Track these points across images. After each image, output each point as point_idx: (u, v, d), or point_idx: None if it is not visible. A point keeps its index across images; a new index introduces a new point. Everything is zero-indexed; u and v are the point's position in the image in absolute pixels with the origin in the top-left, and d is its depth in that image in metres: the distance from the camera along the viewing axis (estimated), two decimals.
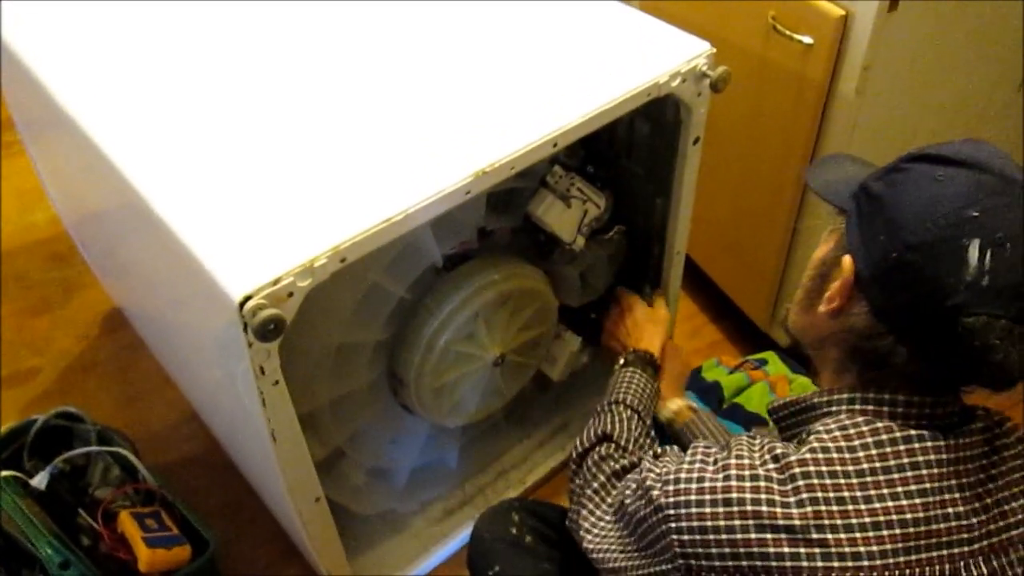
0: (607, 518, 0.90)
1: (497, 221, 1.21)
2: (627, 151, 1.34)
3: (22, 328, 1.77)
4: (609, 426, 1.02)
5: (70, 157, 1.28)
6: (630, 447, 1.00)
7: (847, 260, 0.74)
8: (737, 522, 0.70)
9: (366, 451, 1.28)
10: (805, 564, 0.68)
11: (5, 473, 1.26)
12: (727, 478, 0.72)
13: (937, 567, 0.69)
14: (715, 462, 0.75)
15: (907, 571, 0.68)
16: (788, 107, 1.33)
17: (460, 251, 1.19)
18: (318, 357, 1.09)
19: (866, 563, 0.67)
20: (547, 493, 1.48)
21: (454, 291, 1.16)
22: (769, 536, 0.69)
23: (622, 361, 1.18)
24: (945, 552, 0.69)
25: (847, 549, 0.68)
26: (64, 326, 1.77)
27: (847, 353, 0.77)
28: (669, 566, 0.75)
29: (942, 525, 0.70)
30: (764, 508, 0.70)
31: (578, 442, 1.03)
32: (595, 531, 0.90)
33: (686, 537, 0.72)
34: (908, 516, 0.69)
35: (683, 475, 0.75)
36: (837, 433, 0.72)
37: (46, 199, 1.75)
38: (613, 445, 0.99)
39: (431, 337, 1.16)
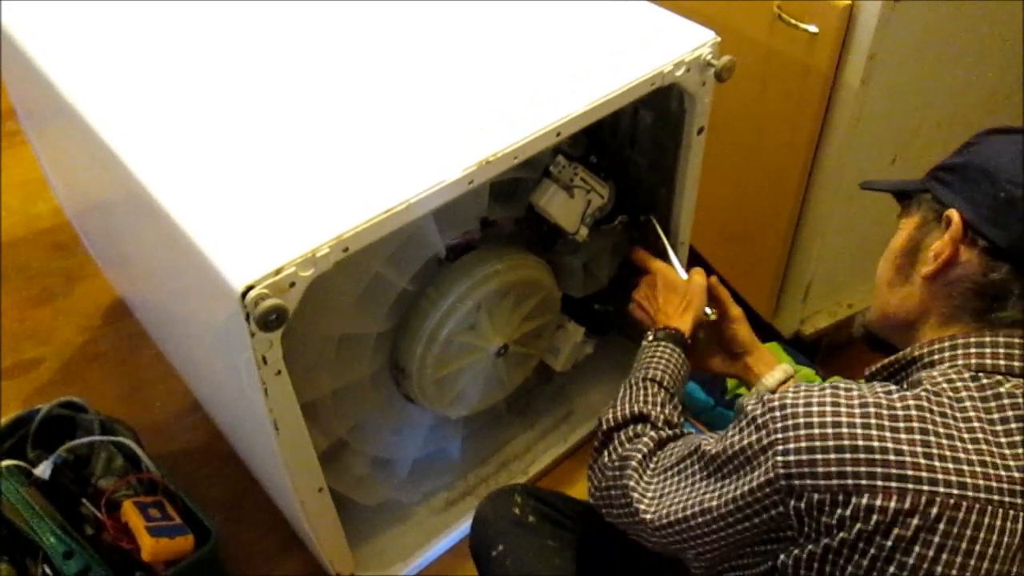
0: (658, 478, 0.88)
1: (500, 211, 1.21)
2: (631, 141, 1.33)
3: (25, 318, 1.77)
4: (644, 405, 0.99)
5: (72, 147, 1.28)
6: (667, 431, 0.96)
7: (953, 212, 0.79)
8: (846, 442, 0.70)
9: (369, 441, 1.28)
10: (911, 487, 0.68)
11: (8, 462, 1.26)
12: (836, 404, 0.72)
13: None
14: (821, 388, 0.75)
15: (1011, 512, 0.69)
16: (793, 97, 1.33)
17: (463, 241, 1.19)
18: (321, 347, 1.09)
19: (970, 494, 0.68)
20: (549, 483, 1.48)
21: (457, 282, 1.16)
22: (878, 458, 0.69)
23: (651, 336, 1.13)
24: None
25: (954, 478, 0.68)
26: (67, 316, 1.77)
27: (961, 299, 0.79)
28: (768, 489, 0.74)
29: None
30: (873, 431, 0.70)
31: (609, 416, 0.99)
32: (649, 496, 0.88)
33: (792, 458, 0.72)
34: (1012, 463, 0.70)
35: (788, 399, 0.75)
36: (944, 384, 0.74)
37: (48, 189, 1.76)
38: (649, 426, 0.97)
39: (434, 328, 1.16)
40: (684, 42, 1.10)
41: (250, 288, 0.81)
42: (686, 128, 1.20)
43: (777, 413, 0.74)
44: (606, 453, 0.96)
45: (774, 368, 1.14)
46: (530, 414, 1.55)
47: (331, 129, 0.99)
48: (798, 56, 1.28)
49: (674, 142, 1.23)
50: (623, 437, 0.96)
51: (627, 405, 0.99)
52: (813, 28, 1.23)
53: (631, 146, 1.33)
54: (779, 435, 0.73)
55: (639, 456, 0.91)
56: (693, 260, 1.75)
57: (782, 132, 1.38)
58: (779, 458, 0.73)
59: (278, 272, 0.82)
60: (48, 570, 1.20)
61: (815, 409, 0.73)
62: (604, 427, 0.99)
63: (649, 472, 0.90)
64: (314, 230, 0.85)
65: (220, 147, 0.97)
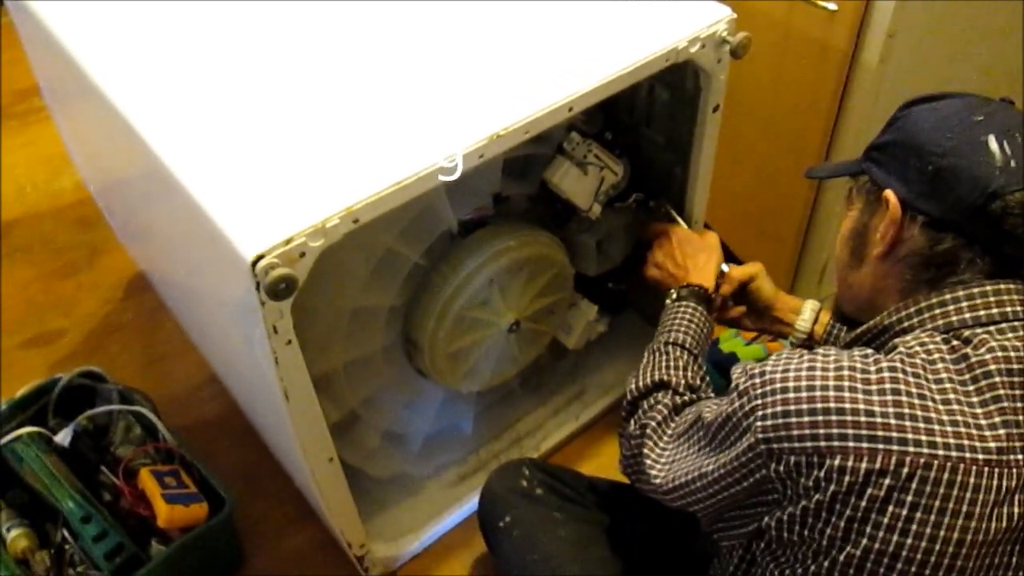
0: (671, 445, 0.91)
1: (513, 187, 1.21)
2: (647, 119, 1.33)
3: (49, 291, 1.80)
4: (665, 372, 1.00)
5: (92, 122, 1.30)
6: (687, 395, 0.98)
7: (889, 193, 0.81)
8: (819, 405, 0.72)
9: (381, 415, 1.30)
10: (881, 447, 0.70)
11: (30, 430, 1.29)
12: (812, 369, 0.74)
13: (1013, 470, 0.71)
14: (800, 356, 0.76)
15: (985, 469, 0.69)
16: (811, 76, 1.31)
17: (476, 217, 1.19)
18: (333, 320, 1.10)
19: (941, 452, 0.69)
20: (561, 460, 1.48)
21: (469, 257, 1.16)
22: (849, 419, 0.71)
23: (675, 295, 1.13)
24: (1020, 457, 0.71)
25: (923, 437, 0.70)
26: (90, 289, 1.80)
27: (914, 272, 0.81)
28: (751, 454, 0.76)
29: (1022, 431, 0.72)
30: (846, 394, 0.72)
31: (633, 386, 1.01)
32: (662, 462, 0.91)
33: (769, 423, 0.73)
34: (983, 422, 0.71)
35: (768, 367, 0.77)
36: (918, 347, 0.75)
37: (73, 164, 1.78)
38: (671, 392, 0.98)
39: (445, 302, 1.16)
40: (699, 18, 1.09)
41: (260, 257, 0.82)
42: (701, 106, 1.19)
43: (757, 381, 0.76)
44: (632, 423, 0.98)
45: (802, 311, 1.17)
46: (543, 391, 1.56)
47: (343, 102, 0.99)
48: (816, 34, 1.27)
49: (690, 120, 1.23)
50: (645, 406, 0.97)
51: (649, 373, 1.01)
52: (831, 5, 1.22)
53: (647, 124, 1.33)
54: (758, 401, 0.75)
55: (654, 424, 0.94)
56: None
57: (799, 111, 1.37)
58: (758, 423, 0.74)
59: (288, 242, 0.83)
60: (67, 534, 1.24)
61: (791, 375, 0.74)
62: (629, 397, 1.01)
63: (665, 439, 0.92)
64: (324, 201, 0.86)
65: (234, 121, 0.97)
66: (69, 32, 1.11)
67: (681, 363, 1.02)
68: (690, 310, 1.09)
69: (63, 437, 1.29)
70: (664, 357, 1.03)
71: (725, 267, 1.19)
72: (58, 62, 1.15)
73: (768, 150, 1.48)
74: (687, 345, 1.04)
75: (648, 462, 0.92)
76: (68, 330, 1.72)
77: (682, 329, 1.06)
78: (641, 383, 1.00)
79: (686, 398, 0.97)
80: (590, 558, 1.09)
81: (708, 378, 1.04)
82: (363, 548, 1.26)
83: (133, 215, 1.50)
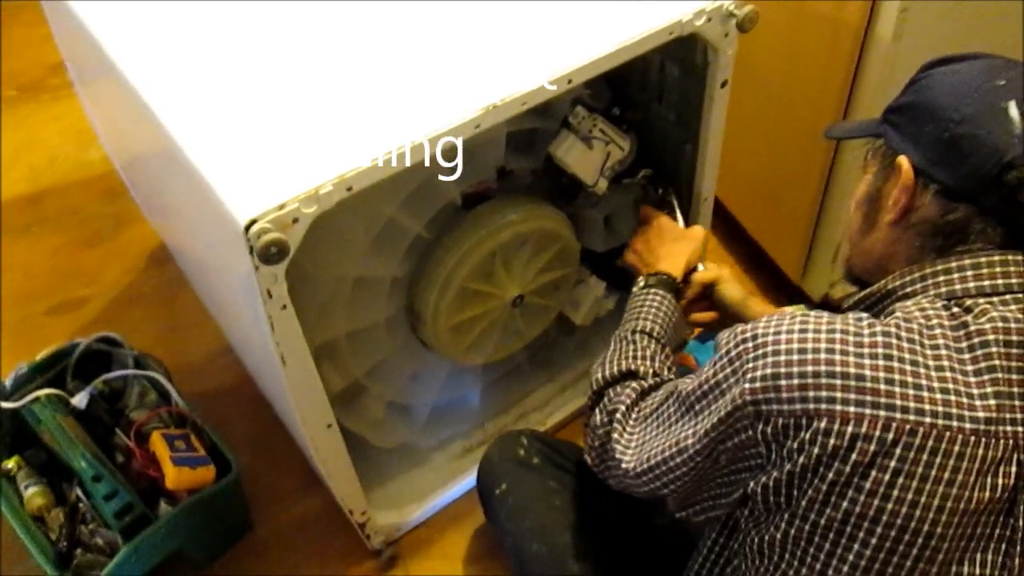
0: (639, 427, 0.89)
1: (517, 161, 1.21)
2: (658, 95, 1.32)
3: (75, 259, 1.85)
4: (632, 361, 0.98)
5: (110, 97, 1.32)
6: (654, 382, 0.96)
7: (902, 159, 0.79)
8: (809, 368, 0.71)
9: (386, 385, 1.31)
10: (868, 412, 0.69)
11: (48, 392, 1.33)
12: (804, 331, 0.73)
13: (1000, 441, 0.70)
14: (792, 317, 0.75)
15: (972, 438, 0.69)
16: (824, 51, 1.29)
17: (479, 190, 1.20)
18: (334, 288, 1.12)
19: (928, 420, 0.69)
20: (566, 435, 1.49)
21: (471, 229, 1.17)
22: (838, 383, 0.70)
23: (642, 283, 1.12)
24: (1009, 428, 0.70)
25: (912, 404, 0.69)
26: (114, 259, 1.84)
27: (924, 239, 0.79)
28: (737, 414, 0.74)
29: (1014, 402, 0.71)
30: (837, 356, 0.71)
31: (599, 375, 0.98)
32: (632, 446, 0.88)
33: (759, 384, 0.72)
34: (975, 391, 0.70)
35: (760, 329, 0.76)
36: (916, 312, 0.74)
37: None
38: (638, 380, 0.96)
39: (448, 275, 1.17)
40: None
41: (253, 222, 0.84)
42: (709, 81, 1.18)
43: (749, 344, 0.75)
44: (597, 412, 0.95)
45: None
46: (551, 367, 1.56)
47: (339, 71, 1.00)
48: (828, 9, 1.25)
49: (700, 96, 1.21)
50: (612, 395, 0.95)
51: (616, 362, 0.99)
52: None
53: (659, 101, 1.32)
54: (749, 364, 0.74)
55: (623, 408, 0.92)
56: (722, 218, 1.74)
57: (812, 88, 1.35)
58: (747, 385, 0.73)
59: (281, 208, 0.85)
60: (80, 493, 1.27)
61: (783, 336, 0.73)
62: (595, 386, 0.98)
63: (631, 423, 0.91)
64: (318, 169, 0.88)
65: (235, 91, 0.99)
66: (86, 9, 1.14)
67: (649, 352, 1.00)
68: (658, 298, 1.07)
69: (80, 400, 1.33)
70: (631, 346, 1.01)
71: (701, 266, 1.18)
72: (77, 37, 1.18)
73: (782, 127, 1.46)
74: (654, 333, 1.03)
75: (619, 448, 0.89)
76: (92, 298, 1.76)
77: (649, 317, 1.05)
78: (608, 372, 0.98)
79: (650, 383, 0.94)
80: (583, 528, 1.10)
81: (676, 369, 1.02)
82: (364, 515, 1.29)
83: (150, 187, 1.53)
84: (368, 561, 1.38)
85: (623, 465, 0.88)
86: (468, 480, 1.41)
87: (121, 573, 1.19)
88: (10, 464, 1.31)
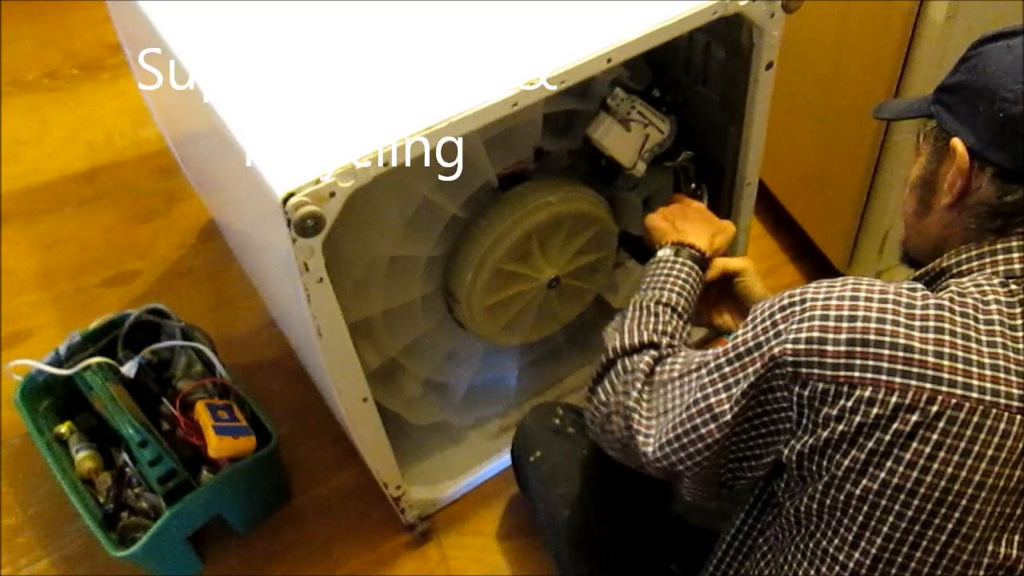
0: (657, 394, 0.85)
1: (555, 143, 1.21)
2: (703, 78, 1.30)
3: (129, 234, 1.90)
4: (653, 333, 0.93)
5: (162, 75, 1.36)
6: (668, 352, 0.92)
7: (956, 142, 0.77)
8: (859, 335, 0.70)
9: (422, 364, 1.33)
10: (914, 383, 0.68)
11: (99, 360, 1.38)
12: (855, 297, 0.73)
13: None
14: (844, 283, 0.75)
15: (1018, 416, 0.68)
16: (874, 33, 1.26)
17: (516, 171, 1.20)
18: (370, 266, 1.13)
19: (975, 395, 0.68)
20: None
21: (507, 210, 1.17)
22: (886, 352, 0.69)
23: (670, 251, 1.06)
24: None
25: (959, 378, 0.68)
26: (166, 234, 1.89)
27: (981, 221, 0.78)
28: (774, 371, 0.73)
29: None
30: (888, 326, 0.70)
31: (617, 343, 0.93)
32: (654, 430, 0.84)
33: (803, 346, 0.72)
34: None
35: (809, 293, 0.75)
36: (972, 288, 0.74)
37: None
38: (657, 354, 0.90)
39: (483, 255, 1.18)
40: None
41: (291, 195, 0.85)
42: (754, 62, 1.16)
43: (797, 307, 0.74)
44: (607, 381, 0.92)
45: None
46: (589, 350, 1.56)
47: (378, 48, 1.01)
48: None
49: (744, 78, 1.20)
50: (629, 366, 0.90)
51: (637, 332, 0.94)
52: None
53: (703, 83, 1.30)
54: (795, 324, 0.73)
55: (642, 378, 0.88)
56: (767, 203, 1.71)
57: (862, 71, 1.32)
58: (789, 345, 0.72)
59: (317, 181, 0.86)
60: (127, 458, 1.32)
61: (834, 301, 0.72)
62: (610, 354, 0.93)
63: (648, 390, 0.87)
64: (355, 144, 0.89)
65: (277, 70, 1.00)
66: None
67: (671, 327, 0.95)
68: (685, 270, 1.03)
69: (129, 368, 1.37)
70: (653, 318, 0.96)
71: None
72: (129, 14, 1.21)
73: (829, 111, 1.44)
74: (679, 308, 0.98)
75: (637, 417, 0.85)
76: (143, 271, 1.82)
77: (676, 289, 1.00)
78: (627, 341, 0.92)
79: (667, 351, 0.91)
80: (616, 497, 1.10)
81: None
82: (399, 489, 1.31)
83: (198, 164, 1.57)
84: (402, 535, 1.40)
85: (643, 438, 0.84)
86: (503, 459, 1.42)
87: (164, 536, 1.23)
88: (63, 428, 1.37)
